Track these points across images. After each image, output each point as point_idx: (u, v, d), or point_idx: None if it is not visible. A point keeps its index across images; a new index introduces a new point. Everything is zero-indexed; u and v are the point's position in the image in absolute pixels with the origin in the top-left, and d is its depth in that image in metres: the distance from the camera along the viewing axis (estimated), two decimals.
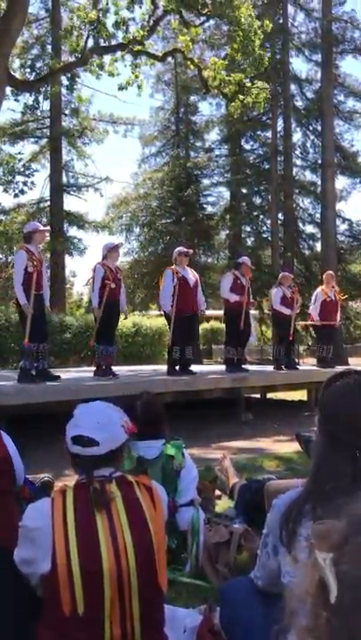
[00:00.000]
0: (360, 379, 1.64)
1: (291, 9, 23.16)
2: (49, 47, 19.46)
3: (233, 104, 13.14)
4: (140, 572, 1.70)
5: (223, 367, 9.65)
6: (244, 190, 24.25)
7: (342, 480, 1.49)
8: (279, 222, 23.26)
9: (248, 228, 25.04)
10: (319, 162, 22.51)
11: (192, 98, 25.37)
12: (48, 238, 14.64)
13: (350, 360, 20.00)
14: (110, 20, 12.48)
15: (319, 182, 22.60)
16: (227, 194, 25.14)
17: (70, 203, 30.01)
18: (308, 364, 14.31)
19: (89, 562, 1.64)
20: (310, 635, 0.73)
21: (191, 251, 8.96)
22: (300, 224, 24.31)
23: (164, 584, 1.78)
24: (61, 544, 1.64)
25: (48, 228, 7.89)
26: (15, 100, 14.51)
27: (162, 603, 1.85)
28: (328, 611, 0.71)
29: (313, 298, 10.67)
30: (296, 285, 10.83)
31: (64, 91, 17.15)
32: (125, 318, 7.95)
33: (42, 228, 7.55)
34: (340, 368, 1.73)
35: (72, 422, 1.88)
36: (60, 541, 1.64)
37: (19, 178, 14.01)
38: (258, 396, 10.10)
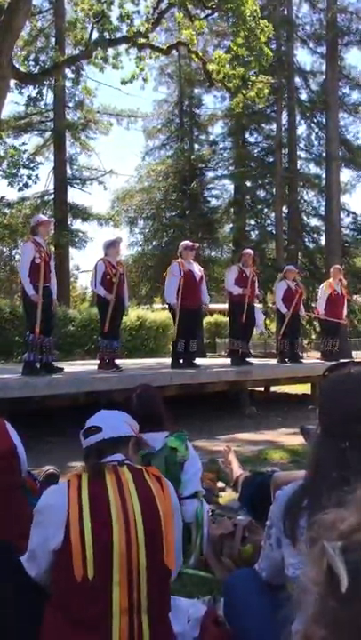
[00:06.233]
0: (356, 370, 1.64)
1: (295, 0, 23.01)
2: (53, 40, 19.37)
3: (235, 99, 13.09)
4: (147, 545, 1.76)
5: (227, 360, 9.65)
6: (248, 183, 24.12)
7: (335, 471, 1.49)
8: (283, 215, 23.15)
9: (252, 222, 24.93)
10: (324, 155, 22.40)
11: (196, 91, 25.24)
12: (52, 230, 14.66)
13: (355, 353, 19.94)
14: (115, 13, 12.44)
15: (324, 175, 22.50)
16: (231, 187, 25.03)
17: (74, 196, 30.03)
18: (312, 358, 14.29)
19: (101, 532, 1.72)
20: (316, 625, 0.72)
21: (197, 245, 8.93)
22: (305, 217, 24.21)
23: (171, 564, 1.83)
24: (75, 517, 1.73)
25: (52, 219, 7.85)
26: (19, 92, 14.49)
27: (168, 584, 1.89)
28: (337, 600, 0.70)
29: (319, 291, 10.64)
30: (301, 283, 10.62)
31: (68, 84, 17.11)
32: (125, 315, 7.97)
33: (45, 218, 7.52)
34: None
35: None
36: (75, 514, 1.73)
37: (23, 171, 14.07)
38: (262, 389, 10.10)
